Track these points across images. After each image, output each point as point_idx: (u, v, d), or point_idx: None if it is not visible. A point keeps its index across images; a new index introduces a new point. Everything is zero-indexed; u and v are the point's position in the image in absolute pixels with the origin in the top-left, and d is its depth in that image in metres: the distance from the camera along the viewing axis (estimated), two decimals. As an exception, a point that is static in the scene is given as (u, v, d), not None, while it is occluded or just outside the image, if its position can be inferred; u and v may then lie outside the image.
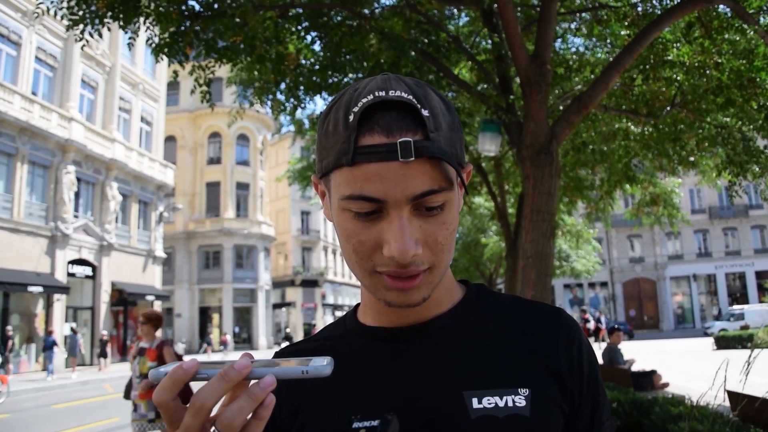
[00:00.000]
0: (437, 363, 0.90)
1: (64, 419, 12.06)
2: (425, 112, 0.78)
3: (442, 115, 0.82)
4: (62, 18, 5.57)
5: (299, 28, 6.57)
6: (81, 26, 5.53)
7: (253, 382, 0.66)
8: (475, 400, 0.85)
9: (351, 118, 0.78)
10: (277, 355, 0.98)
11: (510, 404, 0.84)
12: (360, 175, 0.78)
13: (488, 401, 0.84)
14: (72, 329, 22.64)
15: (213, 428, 0.66)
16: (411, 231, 0.80)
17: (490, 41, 7.55)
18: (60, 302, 22.85)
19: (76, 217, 24.19)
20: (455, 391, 0.86)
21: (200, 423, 0.65)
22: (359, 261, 0.84)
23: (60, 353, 22.00)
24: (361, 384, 0.90)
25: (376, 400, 0.87)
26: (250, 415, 0.66)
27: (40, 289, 20.98)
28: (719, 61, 6.50)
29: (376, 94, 0.78)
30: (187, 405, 0.66)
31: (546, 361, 0.90)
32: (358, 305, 1.03)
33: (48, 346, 20.23)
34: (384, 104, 0.78)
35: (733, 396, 4.69)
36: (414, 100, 0.78)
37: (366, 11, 6.70)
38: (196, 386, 0.68)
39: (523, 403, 0.85)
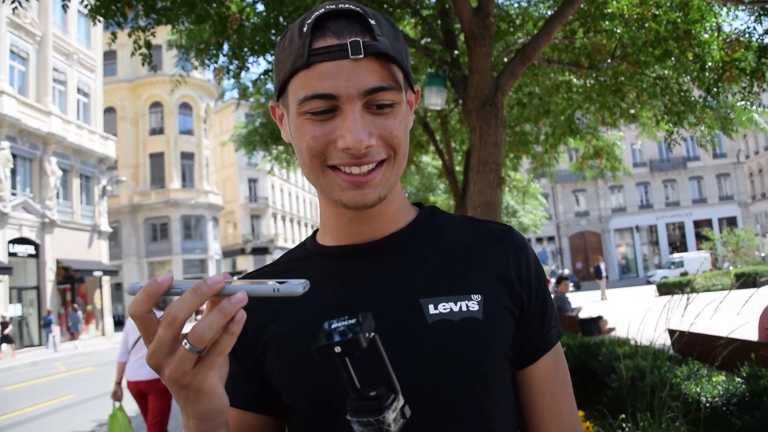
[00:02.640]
0: (394, 275, 0.94)
1: (21, 399, 11.85)
2: (372, 21, 0.85)
3: (387, 28, 0.89)
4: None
5: (239, -14, 6.40)
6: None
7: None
8: (431, 306, 0.90)
9: (305, 28, 0.85)
10: (247, 277, 1.00)
11: (464, 309, 0.90)
12: (314, 76, 0.84)
13: (443, 307, 0.90)
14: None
15: (185, 341, 0.68)
16: (364, 124, 0.85)
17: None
18: (2, 283, 22.11)
19: (14, 194, 23.31)
20: (412, 299, 0.91)
21: (173, 335, 0.68)
22: (312, 159, 0.88)
23: (57, 330, 23.54)
24: (322, 300, 0.93)
25: (337, 312, 0.90)
26: (221, 330, 0.68)
27: (-20, 270, 20.31)
28: (657, 13, 6.65)
29: (327, 8, 0.85)
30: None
31: (497, 270, 0.96)
32: (317, 230, 1.06)
33: (46, 324, 23.19)
34: (334, 14, 0.85)
35: (672, 333, 4.93)
36: (361, 11, 0.85)
37: (307, -32, 6.57)
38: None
39: (476, 307, 0.91)
